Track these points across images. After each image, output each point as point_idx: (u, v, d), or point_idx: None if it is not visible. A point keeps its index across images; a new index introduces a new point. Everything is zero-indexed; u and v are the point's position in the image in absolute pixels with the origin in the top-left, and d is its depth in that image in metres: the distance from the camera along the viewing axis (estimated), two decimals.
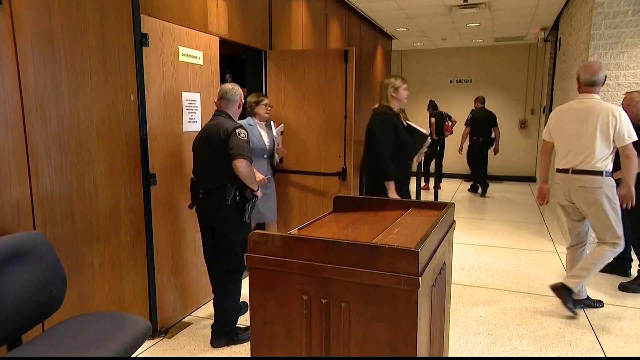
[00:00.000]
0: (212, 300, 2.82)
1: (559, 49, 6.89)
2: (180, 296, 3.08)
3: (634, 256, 3.81)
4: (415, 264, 1.14)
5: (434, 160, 8.02)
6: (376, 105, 3.46)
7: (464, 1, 5.93)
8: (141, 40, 2.61)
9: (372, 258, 1.20)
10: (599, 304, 3.27)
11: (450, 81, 10.26)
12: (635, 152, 2.92)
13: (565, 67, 6.12)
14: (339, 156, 4.17)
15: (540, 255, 4.52)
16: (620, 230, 3.00)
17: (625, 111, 3.57)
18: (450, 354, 2.65)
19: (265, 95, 3.86)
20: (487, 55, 9.79)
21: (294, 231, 1.65)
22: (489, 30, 7.93)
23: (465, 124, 8.18)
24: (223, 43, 3.52)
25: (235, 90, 2.73)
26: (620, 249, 3.03)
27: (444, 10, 6.42)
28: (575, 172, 3.00)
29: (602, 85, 3.07)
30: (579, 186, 3.00)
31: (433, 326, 1.43)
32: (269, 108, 3.66)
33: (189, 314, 3.18)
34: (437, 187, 7.24)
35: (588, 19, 4.56)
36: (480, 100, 8.08)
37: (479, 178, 8.27)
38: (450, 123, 8.51)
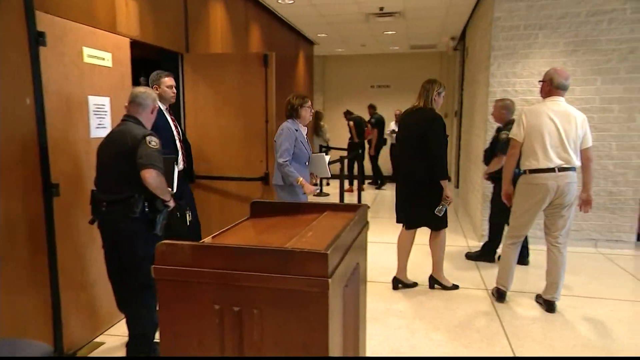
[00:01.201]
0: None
1: (467, 57, 7.44)
2: (91, 314, 2.87)
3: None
4: (325, 266, 1.17)
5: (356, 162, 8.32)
6: (419, 106, 3.47)
7: (380, 9, 6.19)
8: (37, 39, 2.39)
9: (283, 262, 1.20)
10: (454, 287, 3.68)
11: (371, 86, 10.65)
12: None
13: (472, 74, 6.61)
14: (261, 161, 4.14)
15: (454, 250, 4.82)
16: None
17: (493, 116, 3.92)
18: (371, 350, 2.74)
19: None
20: (404, 61, 10.30)
21: (208, 239, 1.61)
22: (404, 38, 8.35)
23: (374, 126, 8.74)
24: (135, 44, 3.35)
25: (147, 94, 2.55)
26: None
27: (361, 17, 6.65)
28: (561, 169, 3.09)
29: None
30: (567, 182, 3.10)
31: (347, 325, 1.47)
32: (312, 110, 3.59)
33: (101, 333, 2.97)
34: (360, 189, 7.45)
35: (488, 31, 4.98)
36: (373, 107, 8.93)
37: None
38: (368, 127, 8.87)
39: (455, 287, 3.70)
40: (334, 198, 7.78)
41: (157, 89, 3.22)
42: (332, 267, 1.21)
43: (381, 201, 7.93)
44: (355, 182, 8.44)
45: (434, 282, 3.73)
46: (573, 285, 3.70)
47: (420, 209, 3.52)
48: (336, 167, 8.98)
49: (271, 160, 4.11)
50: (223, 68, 4.07)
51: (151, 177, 2.31)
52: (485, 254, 4.41)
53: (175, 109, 4.13)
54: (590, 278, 3.95)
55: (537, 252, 4.13)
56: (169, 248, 1.26)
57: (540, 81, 3.26)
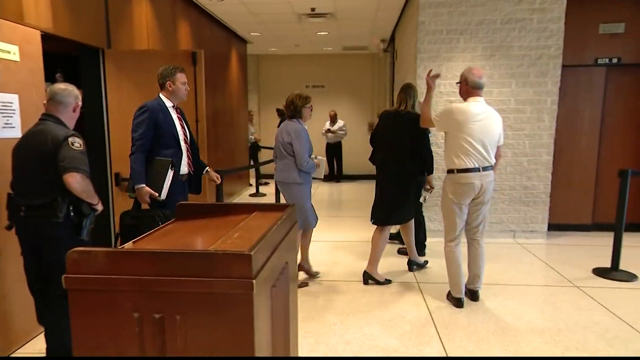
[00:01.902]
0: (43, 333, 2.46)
1: (396, 59, 7.71)
2: (1, 331, 2.62)
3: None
4: (249, 268, 1.16)
5: None
6: (406, 109, 3.73)
7: (311, 10, 6.24)
8: None
9: (207, 265, 1.18)
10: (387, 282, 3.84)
11: (306, 86, 10.71)
12: None
13: (401, 76, 6.86)
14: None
15: (388, 246, 4.98)
16: None
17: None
18: (308, 349, 2.77)
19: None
20: (338, 62, 10.48)
21: (129, 244, 1.54)
22: (337, 39, 8.49)
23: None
24: (50, 38, 3.11)
25: (68, 91, 2.39)
26: None
27: (294, 17, 6.67)
28: (485, 169, 3.21)
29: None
30: (489, 181, 3.24)
31: (276, 325, 1.47)
32: (312, 110, 3.81)
33: (14, 351, 2.72)
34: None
35: (414, 34, 5.20)
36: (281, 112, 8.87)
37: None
38: None
39: (388, 281, 3.83)
40: (271, 199, 7.75)
41: (170, 86, 3.12)
42: (257, 268, 1.20)
43: (320, 200, 8.02)
44: None
45: (368, 277, 3.83)
46: (493, 274, 3.97)
47: (409, 200, 3.79)
48: (271, 167, 8.95)
49: (203, 161, 4.01)
50: (149, 65, 3.87)
51: (75, 181, 2.18)
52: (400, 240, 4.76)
53: (96, 109, 3.90)
54: (508, 266, 4.26)
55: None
56: (82, 255, 1.19)
57: (457, 83, 3.37)
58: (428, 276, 4.04)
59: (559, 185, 5.34)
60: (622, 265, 4.04)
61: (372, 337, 2.92)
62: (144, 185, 2.95)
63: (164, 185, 2.98)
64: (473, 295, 3.47)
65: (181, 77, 3.14)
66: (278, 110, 8.92)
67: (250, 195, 8.53)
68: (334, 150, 10.09)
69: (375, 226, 3.83)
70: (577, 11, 5.03)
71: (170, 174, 2.99)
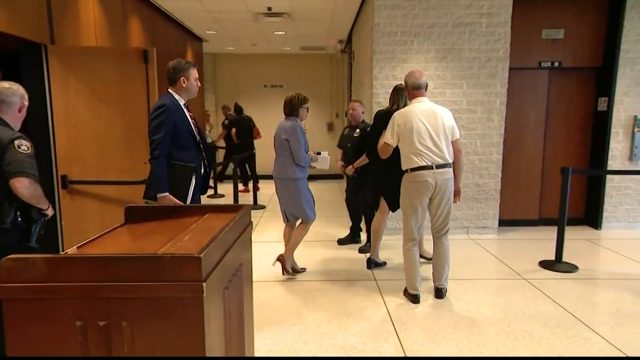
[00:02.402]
0: None
1: (354, 60, 7.80)
2: None
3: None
4: (198, 270, 1.13)
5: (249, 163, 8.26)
6: (397, 108, 3.72)
7: (268, 9, 6.21)
8: None
9: (154, 270, 1.14)
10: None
11: (264, 86, 10.64)
12: None
13: (358, 76, 6.96)
14: (145, 162, 3.88)
15: (346, 245, 5.04)
16: None
17: (349, 116, 4.23)
18: (266, 349, 2.75)
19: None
20: (296, 62, 10.47)
21: (72, 250, 1.47)
22: (294, 39, 8.49)
23: (226, 128, 8.55)
24: None
25: (12, 90, 2.26)
26: None
27: (250, 16, 6.61)
28: (439, 166, 3.25)
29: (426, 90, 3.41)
30: (445, 178, 3.28)
31: (230, 328, 1.44)
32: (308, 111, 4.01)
33: None
34: (255, 189, 7.40)
35: (370, 36, 5.28)
36: (228, 108, 8.94)
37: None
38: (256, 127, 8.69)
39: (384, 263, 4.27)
40: (229, 199, 7.63)
41: (184, 82, 2.93)
42: (207, 271, 1.18)
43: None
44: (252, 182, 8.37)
45: (373, 262, 4.22)
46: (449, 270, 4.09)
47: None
48: (268, 167, 8.81)
49: None
50: (98, 63, 3.73)
51: (22, 186, 2.06)
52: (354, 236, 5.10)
53: (40, 108, 3.70)
54: (463, 262, 4.41)
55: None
56: (17, 263, 1.12)
57: (405, 87, 3.49)
58: (386, 274, 4.11)
59: (509, 182, 5.58)
60: (565, 258, 4.27)
61: (330, 335, 2.93)
62: (168, 193, 2.80)
63: (189, 193, 2.84)
64: (438, 292, 3.52)
65: (194, 73, 2.98)
66: (239, 108, 8.78)
67: (209, 196, 8.37)
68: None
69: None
70: (522, 16, 5.28)
71: (194, 181, 2.84)
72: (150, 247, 1.38)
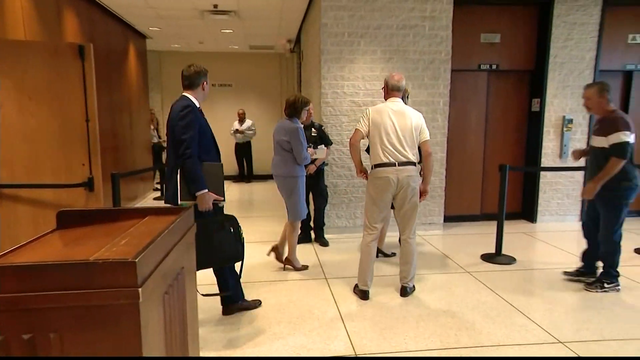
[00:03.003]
0: None
1: (303, 60, 7.81)
2: None
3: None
4: (133, 276, 1.08)
5: None
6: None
7: (214, 7, 6.08)
8: None
9: (86, 277, 1.08)
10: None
11: (212, 84, 10.41)
12: None
13: (308, 76, 6.97)
14: (83, 164, 3.69)
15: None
16: None
17: (305, 115, 4.33)
18: (213, 354, 2.69)
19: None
20: (245, 61, 10.34)
21: None
22: (242, 38, 8.37)
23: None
24: None
25: None
26: None
27: (196, 14, 6.44)
28: (401, 164, 3.35)
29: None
30: (406, 175, 3.36)
31: (171, 333, 1.40)
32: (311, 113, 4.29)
33: None
34: None
35: (318, 36, 5.31)
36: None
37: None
38: None
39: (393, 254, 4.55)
40: None
41: (204, 87, 3.04)
42: (143, 276, 1.13)
43: (230, 200, 7.82)
44: None
45: (380, 251, 4.43)
46: (397, 266, 4.19)
47: None
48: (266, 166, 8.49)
49: (96, 163, 3.71)
50: (27, 58, 3.48)
51: None
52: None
53: None
54: None
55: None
56: None
57: (382, 88, 3.64)
58: (335, 271, 4.15)
59: (452, 180, 5.81)
60: (504, 250, 4.51)
61: (280, 336, 2.92)
62: (207, 190, 2.82)
63: (224, 187, 2.95)
64: (403, 291, 3.57)
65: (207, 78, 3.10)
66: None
67: (155, 198, 8.08)
68: (243, 151, 9.96)
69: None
70: (462, 20, 5.51)
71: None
72: (83, 253, 1.30)
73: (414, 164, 3.41)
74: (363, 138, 3.45)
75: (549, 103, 5.75)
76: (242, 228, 2.95)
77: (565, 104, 5.81)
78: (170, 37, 8.30)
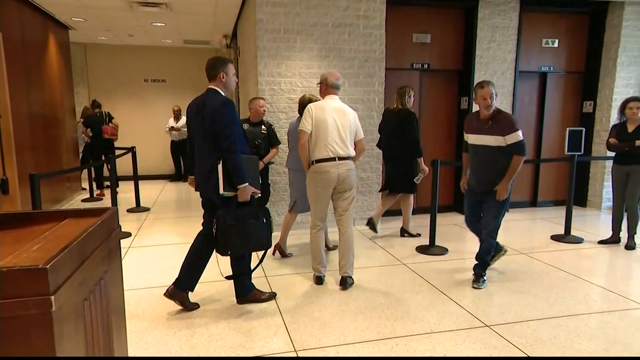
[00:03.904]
0: None
1: (240, 56, 7.68)
2: None
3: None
4: (45, 283, 1.01)
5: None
6: (398, 107, 4.91)
7: None
8: None
9: None
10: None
11: (145, 80, 9.97)
12: None
13: (245, 73, 6.87)
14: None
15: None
16: None
17: (255, 112, 4.50)
18: (149, 356, 2.58)
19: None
20: (179, 56, 9.98)
21: None
22: (176, 32, 8.07)
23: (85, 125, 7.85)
24: None
25: None
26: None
27: (124, 5, 6.12)
28: (341, 158, 3.53)
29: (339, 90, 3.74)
30: (346, 169, 3.55)
31: (93, 342, 1.32)
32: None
33: None
34: (114, 192, 6.28)
35: (253, 32, 5.24)
36: (96, 104, 8.01)
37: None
38: (112, 125, 7.88)
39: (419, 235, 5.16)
40: (108, 202, 7.01)
41: (222, 78, 3.05)
42: (57, 283, 1.05)
43: (166, 201, 7.53)
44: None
45: (405, 232, 5.20)
46: (337, 260, 4.25)
47: (405, 176, 4.95)
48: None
49: (11, 163, 3.41)
50: None
51: None
52: None
53: None
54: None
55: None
56: None
57: (318, 83, 3.73)
58: (276, 267, 4.14)
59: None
60: (437, 242, 4.73)
61: (219, 337, 2.86)
62: (248, 183, 2.98)
63: (259, 178, 3.15)
64: (342, 281, 3.64)
65: (233, 68, 3.13)
66: (94, 103, 8.02)
67: (83, 200, 7.60)
68: (179, 149, 9.62)
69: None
70: (395, 20, 5.69)
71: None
72: None
73: (352, 158, 3.61)
74: (310, 137, 3.56)
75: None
76: (272, 218, 3.18)
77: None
78: (96, 29, 7.81)
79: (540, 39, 6.38)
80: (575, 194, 5.68)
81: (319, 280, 3.73)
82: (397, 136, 4.86)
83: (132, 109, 9.86)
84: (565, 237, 5.07)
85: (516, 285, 3.74)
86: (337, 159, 3.51)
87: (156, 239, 5.19)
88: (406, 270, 4.12)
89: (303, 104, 4.09)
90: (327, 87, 3.64)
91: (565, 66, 6.57)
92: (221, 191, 2.98)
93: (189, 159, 3.36)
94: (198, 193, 3.37)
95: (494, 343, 2.76)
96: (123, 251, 4.65)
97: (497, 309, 3.27)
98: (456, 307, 3.29)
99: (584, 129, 5.66)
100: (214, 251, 3.15)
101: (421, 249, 4.69)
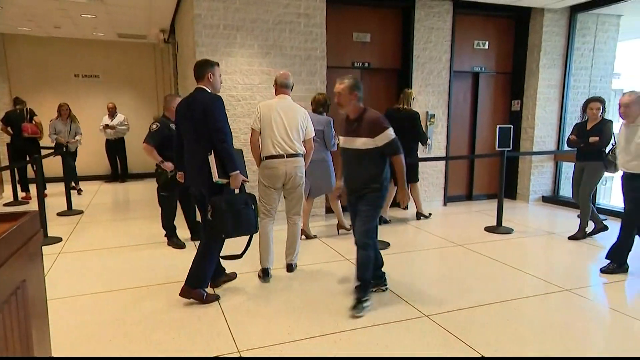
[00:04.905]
0: None
1: (178, 51, 7.43)
2: None
3: None
4: None
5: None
6: (404, 107, 5.51)
7: None
8: None
9: None
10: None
11: (75, 75, 9.37)
12: None
13: (183, 69, 6.65)
14: None
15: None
16: None
17: (169, 111, 4.42)
18: None
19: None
20: (114, 50, 9.49)
21: None
22: (108, 25, 7.65)
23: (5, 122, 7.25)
24: None
25: None
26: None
27: None
28: (289, 155, 3.66)
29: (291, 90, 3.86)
30: (294, 166, 3.69)
31: (7, 351, 1.22)
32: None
33: None
34: (41, 195, 5.55)
35: (191, 27, 5.09)
36: (19, 102, 7.37)
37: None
38: (35, 122, 7.24)
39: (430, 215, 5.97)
40: (34, 206, 6.52)
41: (209, 78, 3.24)
42: None
43: (103, 203, 7.13)
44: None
45: (420, 215, 5.93)
46: (282, 258, 4.23)
47: (411, 168, 5.40)
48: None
49: None
50: None
51: None
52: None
53: None
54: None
55: None
56: None
57: (274, 84, 3.86)
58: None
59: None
60: (380, 236, 4.82)
61: (158, 343, 2.75)
62: (239, 171, 3.19)
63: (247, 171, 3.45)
64: (289, 267, 3.95)
65: (219, 70, 3.35)
66: (16, 100, 7.41)
67: (5, 204, 7.02)
68: (115, 148, 9.16)
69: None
70: (335, 19, 5.75)
71: None
72: None
73: (300, 155, 3.74)
74: (259, 135, 3.71)
75: (415, 99, 6.30)
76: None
77: (428, 101, 6.42)
78: (15, 18, 7.21)
79: (473, 40, 6.73)
80: (506, 188, 6.05)
81: (265, 272, 3.77)
82: (405, 132, 5.17)
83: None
84: (497, 228, 5.39)
85: (452, 276, 3.92)
86: (285, 156, 3.64)
87: (89, 243, 4.91)
88: (349, 265, 4.18)
89: (323, 102, 4.73)
90: (278, 87, 3.79)
91: (495, 67, 6.97)
92: (215, 179, 3.14)
93: (178, 156, 3.52)
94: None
95: (432, 332, 2.88)
96: (52, 257, 4.36)
97: (435, 299, 3.41)
98: (397, 299, 3.39)
99: (512, 127, 6.03)
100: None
101: None
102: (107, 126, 8.95)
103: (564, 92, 6.87)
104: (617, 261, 3.94)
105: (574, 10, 6.65)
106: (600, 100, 4.79)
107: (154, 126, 4.45)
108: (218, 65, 3.32)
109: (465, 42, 6.67)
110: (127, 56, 9.61)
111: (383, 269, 3.59)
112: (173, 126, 4.44)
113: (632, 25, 7.29)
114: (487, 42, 6.81)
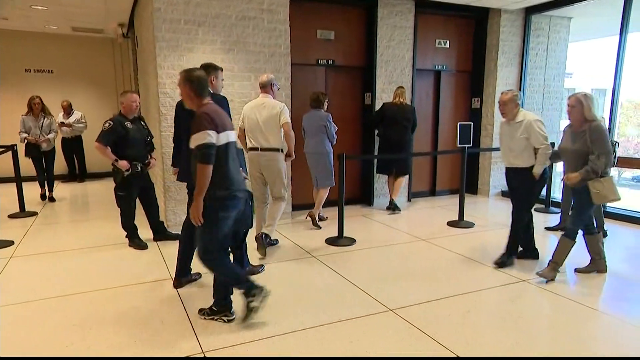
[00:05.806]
0: None
1: (138, 46, 7.20)
2: None
3: None
4: None
5: None
6: (403, 102, 5.92)
7: None
8: None
9: None
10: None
11: (26, 70, 8.92)
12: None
13: (144, 63, 6.45)
14: None
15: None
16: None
17: (131, 108, 4.44)
18: None
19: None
20: (69, 45, 9.09)
21: None
22: (61, 18, 7.32)
23: None
24: None
25: None
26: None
27: None
28: (263, 149, 4.19)
29: (272, 88, 4.27)
30: (266, 159, 4.21)
31: None
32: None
33: None
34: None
35: (151, 22, 4.94)
36: None
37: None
38: None
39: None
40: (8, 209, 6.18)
41: (213, 80, 3.42)
42: None
43: (59, 203, 6.82)
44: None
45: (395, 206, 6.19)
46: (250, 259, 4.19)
47: (409, 160, 6.28)
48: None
49: None
50: None
51: None
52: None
53: None
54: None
55: None
56: None
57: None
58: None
59: (297, 169, 6.01)
60: (346, 233, 4.88)
61: (119, 346, 2.67)
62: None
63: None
64: (262, 236, 4.28)
65: (221, 75, 3.70)
66: None
67: None
68: (72, 146, 8.78)
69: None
70: (300, 16, 5.73)
71: None
72: None
73: (276, 149, 4.19)
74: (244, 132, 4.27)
75: (379, 97, 6.39)
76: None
77: (391, 98, 6.50)
78: None
79: (434, 39, 6.87)
80: (467, 183, 6.22)
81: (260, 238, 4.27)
82: (405, 126, 5.88)
83: (12, 102, 8.77)
84: (459, 222, 5.54)
85: (417, 270, 4.00)
86: (259, 149, 4.20)
87: (45, 245, 4.70)
88: (316, 262, 4.20)
89: (316, 98, 5.23)
90: (260, 87, 4.31)
91: (456, 65, 7.15)
92: None
93: (174, 153, 3.76)
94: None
95: (397, 326, 2.93)
96: (3, 262, 4.15)
97: (400, 293, 3.47)
98: (364, 295, 3.43)
99: (472, 124, 6.20)
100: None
101: (330, 241, 4.80)
102: (62, 124, 8.56)
103: (521, 90, 7.13)
104: (513, 251, 4.09)
105: (529, 11, 6.92)
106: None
107: (107, 125, 4.25)
108: (222, 70, 3.63)
109: (427, 40, 6.80)
110: (84, 50, 9.23)
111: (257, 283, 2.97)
112: (129, 124, 4.33)
113: (581, 27, 7.66)
114: (448, 41, 6.97)
